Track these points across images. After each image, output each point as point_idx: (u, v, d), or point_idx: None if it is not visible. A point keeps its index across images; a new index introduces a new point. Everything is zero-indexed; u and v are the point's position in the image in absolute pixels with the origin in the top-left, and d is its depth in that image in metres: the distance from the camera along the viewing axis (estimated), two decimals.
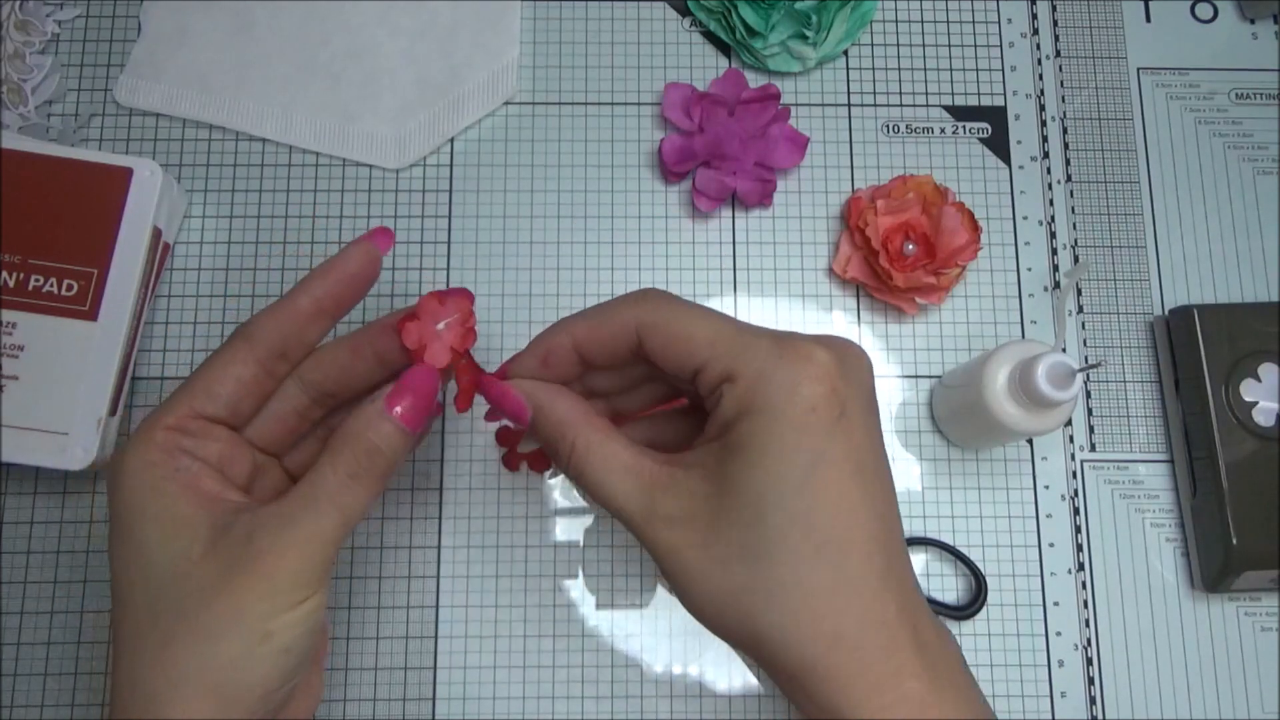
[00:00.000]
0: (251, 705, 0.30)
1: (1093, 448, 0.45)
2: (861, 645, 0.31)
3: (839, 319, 0.46)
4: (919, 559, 0.44)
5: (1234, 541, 0.42)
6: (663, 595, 0.43)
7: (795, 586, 0.30)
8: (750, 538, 0.31)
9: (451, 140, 0.48)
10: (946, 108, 0.49)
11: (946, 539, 0.44)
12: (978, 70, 0.49)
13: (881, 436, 0.33)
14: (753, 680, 0.43)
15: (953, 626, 0.43)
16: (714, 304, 0.46)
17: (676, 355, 0.32)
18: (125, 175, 0.43)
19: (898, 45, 0.49)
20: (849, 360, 0.32)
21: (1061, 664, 0.43)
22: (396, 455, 0.32)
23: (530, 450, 0.43)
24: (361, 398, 0.34)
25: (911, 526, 0.44)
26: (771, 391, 0.31)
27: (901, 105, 0.49)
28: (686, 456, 0.33)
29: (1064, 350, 0.46)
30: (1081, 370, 0.37)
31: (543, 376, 0.35)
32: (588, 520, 0.44)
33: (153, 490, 0.31)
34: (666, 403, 0.38)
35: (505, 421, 0.44)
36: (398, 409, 0.32)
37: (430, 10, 0.48)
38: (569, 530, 0.44)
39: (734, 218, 0.47)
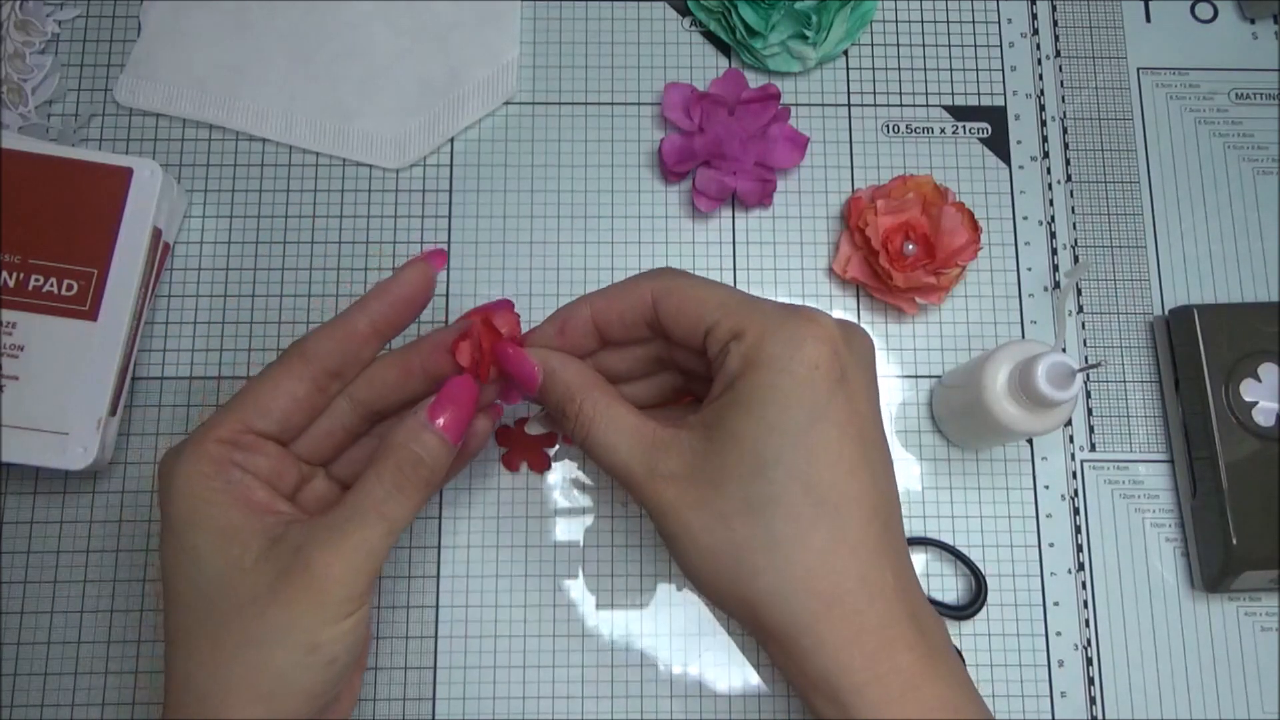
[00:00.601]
0: (298, 709, 0.31)
1: (1093, 448, 0.45)
2: (858, 610, 0.31)
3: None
4: (919, 559, 0.44)
5: (1234, 542, 0.42)
6: (663, 595, 0.43)
7: (794, 542, 0.31)
8: (751, 492, 0.31)
9: (451, 140, 0.48)
10: (946, 108, 0.49)
11: (946, 539, 0.44)
12: (978, 70, 0.49)
13: (881, 414, 0.34)
14: (753, 680, 0.43)
15: (952, 626, 0.43)
16: None
17: (689, 317, 0.33)
18: (125, 175, 0.43)
19: (898, 45, 0.49)
20: (852, 333, 0.34)
21: (1061, 664, 0.43)
22: (439, 465, 0.33)
23: (538, 434, 0.43)
24: (407, 410, 0.35)
25: (911, 526, 0.44)
26: (776, 347, 0.31)
27: (901, 105, 0.49)
28: (689, 419, 0.33)
29: (1064, 350, 0.46)
30: (1081, 370, 0.37)
31: (559, 347, 0.36)
32: (588, 520, 0.44)
33: (204, 500, 0.32)
34: (674, 401, 0.39)
35: (507, 421, 0.44)
36: (440, 420, 0.32)
37: (430, 10, 0.48)
38: (569, 530, 0.44)
39: (734, 218, 0.47)
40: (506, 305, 0.36)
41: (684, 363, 0.36)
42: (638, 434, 0.33)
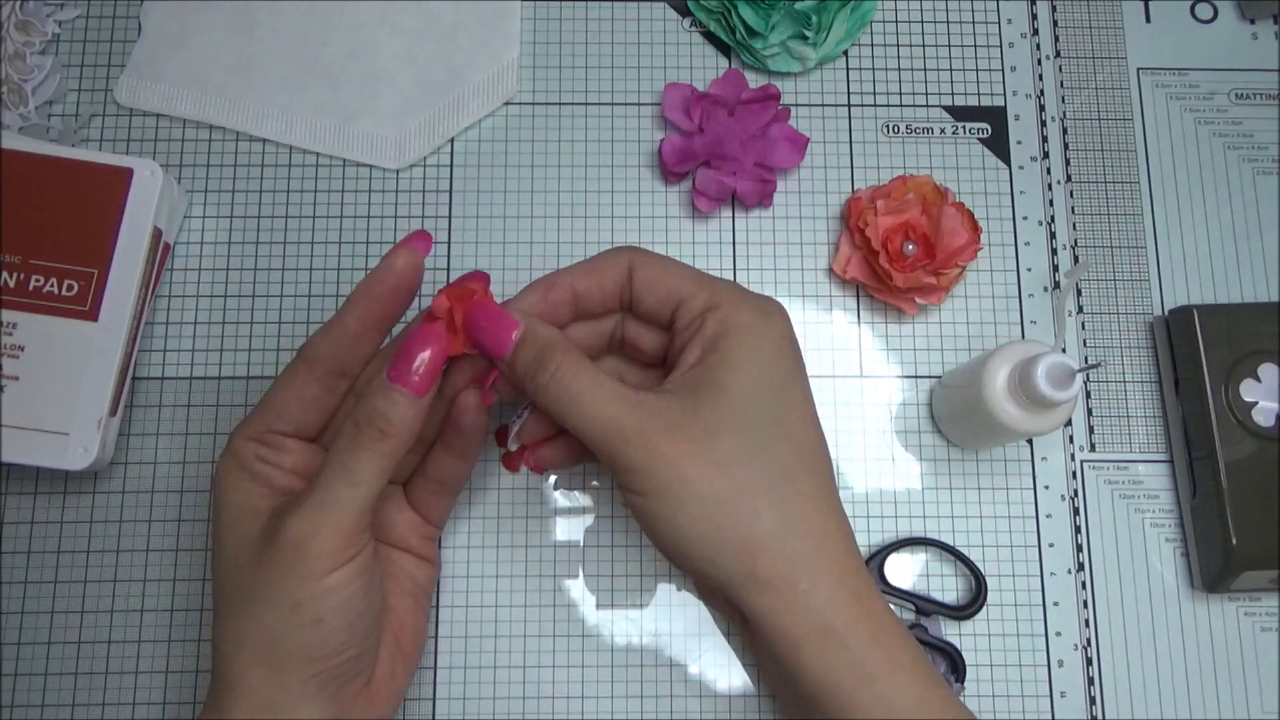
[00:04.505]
0: (300, 671, 0.32)
1: (1093, 448, 0.45)
2: (839, 551, 0.34)
3: (839, 319, 0.46)
4: (919, 559, 0.44)
5: (1234, 541, 0.42)
6: (663, 595, 0.43)
7: (786, 485, 0.33)
8: (744, 440, 0.33)
9: (451, 140, 0.48)
10: (946, 108, 0.49)
11: (946, 539, 0.44)
12: (977, 70, 0.49)
13: None
14: (753, 680, 0.43)
15: (953, 626, 0.43)
16: None
17: (664, 289, 0.36)
18: (125, 175, 0.43)
19: (898, 45, 0.49)
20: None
21: (1061, 664, 0.43)
22: (400, 418, 0.33)
23: (518, 449, 0.42)
24: None
25: (912, 526, 0.44)
26: (752, 317, 0.35)
27: (901, 105, 0.49)
28: (667, 385, 0.35)
29: (1064, 350, 0.46)
30: (1081, 370, 0.37)
31: (540, 314, 0.36)
32: (588, 520, 0.44)
33: (233, 486, 0.35)
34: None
35: (507, 420, 0.44)
36: (405, 378, 0.33)
37: (430, 10, 0.48)
38: (569, 530, 0.44)
39: (734, 218, 0.47)
40: (481, 276, 0.36)
41: (636, 340, 0.38)
42: (622, 392, 0.34)
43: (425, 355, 0.33)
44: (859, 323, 0.46)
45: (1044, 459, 0.45)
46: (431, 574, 0.40)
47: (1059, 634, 0.43)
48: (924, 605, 0.43)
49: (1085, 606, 0.44)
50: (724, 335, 0.34)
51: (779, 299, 0.46)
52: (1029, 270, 0.47)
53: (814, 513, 0.34)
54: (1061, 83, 0.49)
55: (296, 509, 0.32)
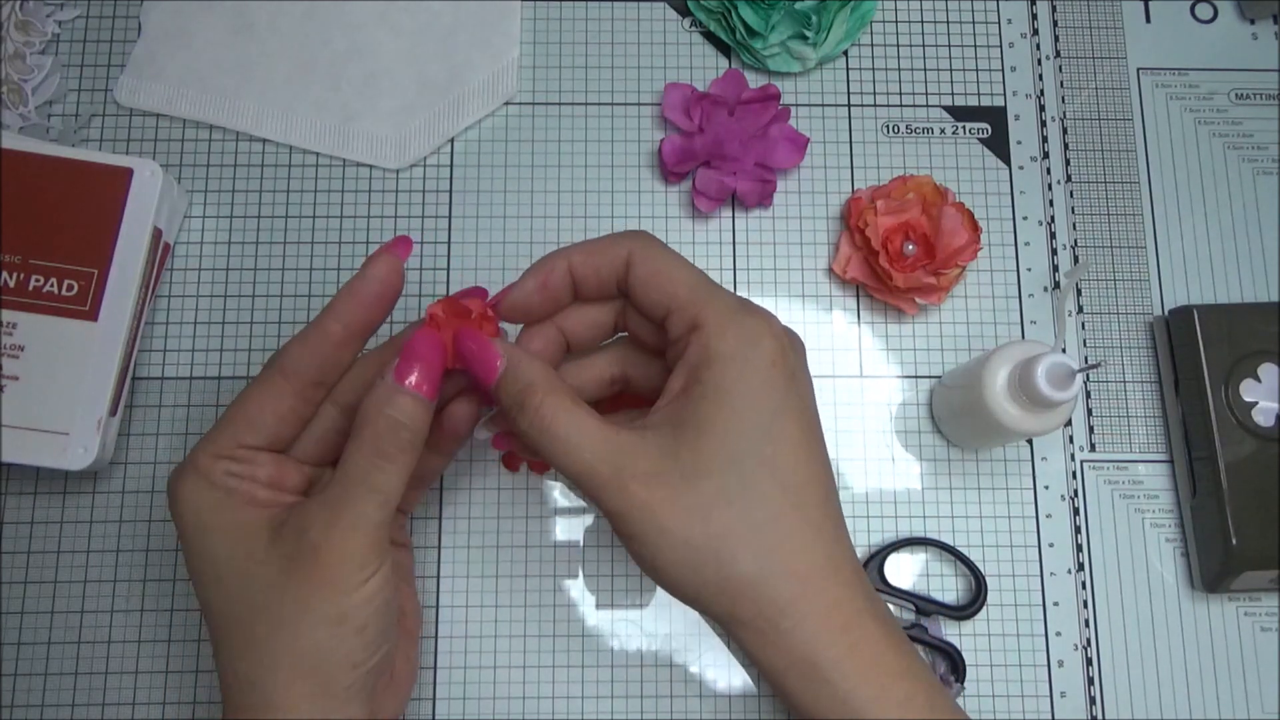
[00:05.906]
0: (346, 678, 0.32)
1: (1092, 448, 0.45)
2: (827, 587, 0.33)
3: (839, 319, 0.46)
4: (919, 559, 0.44)
5: (1234, 542, 0.42)
6: (663, 595, 0.43)
7: (770, 527, 0.32)
8: (726, 483, 0.32)
9: (451, 140, 0.48)
10: (946, 108, 0.49)
11: (946, 539, 0.44)
12: (977, 70, 0.49)
13: (817, 406, 0.36)
14: (753, 680, 0.43)
15: (953, 626, 0.43)
16: None
17: (658, 291, 0.34)
18: (125, 175, 0.43)
19: (898, 45, 0.49)
20: (791, 334, 0.35)
21: (1061, 664, 0.43)
22: (418, 425, 0.32)
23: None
24: None
25: (911, 526, 0.44)
26: (737, 344, 0.33)
27: (901, 105, 0.49)
28: (650, 419, 0.34)
29: (1064, 350, 0.46)
30: (1081, 370, 0.37)
31: (540, 301, 0.35)
32: (588, 520, 0.44)
33: (211, 508, 0.33)
34: (618, 405, 0.39)
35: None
36: (409, 379, 0.32)
37: (430, 10, 0.48)
38: (569, 530, 0.44)
39: (734, 218, 0.47)
40: (479, 293, 0.36)
41: (636, 332, 0.37)
42: (601, 435, 0.33)
43: (426, 357, 0.33)
44: (859, 323, 0.46)
45: (1044, 459, 0.45)
46: (409, 555, 0.40)
47: (1059, 634, 0.43)
48: (924, 605, 0.43)
49: (1085, 606, 0.44)
50: (706, 365, 0.33)
51: (779, 299, 0.47)
52: (1029, 270, 0.47)
53: (801, 551, 0.33)
54: (1061, 83, 0.49)
55: (323, 527, 0.31)
